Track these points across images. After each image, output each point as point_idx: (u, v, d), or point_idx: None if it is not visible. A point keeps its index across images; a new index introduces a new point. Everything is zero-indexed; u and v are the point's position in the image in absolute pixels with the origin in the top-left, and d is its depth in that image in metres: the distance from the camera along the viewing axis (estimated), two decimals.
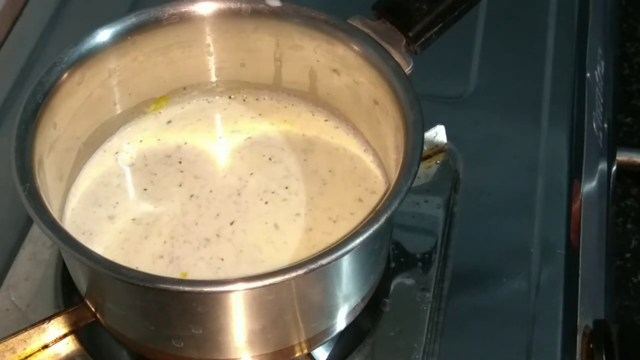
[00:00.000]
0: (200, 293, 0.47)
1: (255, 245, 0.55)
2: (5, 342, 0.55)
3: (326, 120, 0.61)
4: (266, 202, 0.57)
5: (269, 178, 0.58)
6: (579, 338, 0.60)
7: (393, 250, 0.62)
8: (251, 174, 0.59)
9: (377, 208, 0.49)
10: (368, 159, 0.59)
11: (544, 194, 0.66)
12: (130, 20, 0.57)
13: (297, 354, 0.55)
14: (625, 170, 0.84)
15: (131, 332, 0.54)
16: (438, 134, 0.67)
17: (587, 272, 0.63)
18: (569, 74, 0.74)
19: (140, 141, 0.60)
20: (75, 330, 0.57)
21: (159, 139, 0.61)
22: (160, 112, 0.62)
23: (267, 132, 0.61)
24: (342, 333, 0.57)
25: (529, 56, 0.76)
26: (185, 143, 0.60)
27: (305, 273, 0.46)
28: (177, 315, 0.50)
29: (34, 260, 0.62)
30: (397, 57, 0.55)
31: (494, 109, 0.72)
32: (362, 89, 0.57)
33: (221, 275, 0.53)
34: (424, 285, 0.61)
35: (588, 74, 0.76)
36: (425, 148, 0.52)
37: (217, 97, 0.63)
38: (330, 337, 0.56)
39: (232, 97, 0.62)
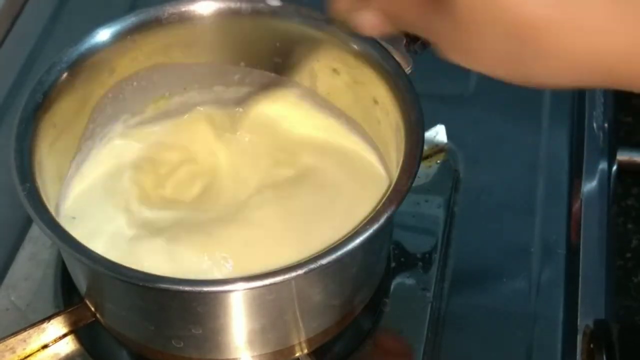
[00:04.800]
0: (200, 293, 0.47)
1: (258, 241, 0.55)
2: (5, 342, 0.55)
3: (327, 119, 0.61)
4: (268, 199, 0.57)
5: (270, 175, 0.58)
6: (579, 338, 0.60)
7: (393, 250, 0.62)
8: (252, 172, 0.59)
9: (377, 208, 0.49)
10: (369, 157, 0.59)
11: (545, 194, 0.66)
12: (130, 20, 0.57)
13: (297, 354, 0.55)
14: (626, 169, 0.84)
15: (131, 332, 0.54)
16: (438, 133, 0.67)
17: (587, 272, 0.63)
18: None
19: (140, 141, 0.60)
20: (75, 330, 0.57)
21: (158, 139, 0.60)
22: (160, 112, 0.61)
23: (267, 130, 0.61)
24: (342, 333, 0.57)
25: None
26: (185, 142, 0.60)
27: (305, 273, 0.46)
28: (177, 315, 0.50)
29: (33, 260, 0.62)
30: (398, 57, 0.55)
31: (494, 109, 0.72)
32: (362, 89, 0.57)
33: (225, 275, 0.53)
34: (424, 285, 0.61)
35: None
36: (425, 148, 0.52)
37: (216, 97, 0.62)
38: (330, 337, 0.56)
39: (232, 96, 0.62)
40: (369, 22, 0.47)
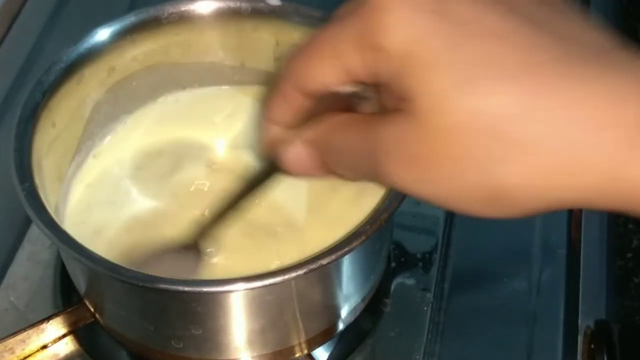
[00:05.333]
0: (199, 293, 0.47)
1: (254, 236, 0.55)
2: (4, 343, 0.54)
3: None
4: (270, 196, 0.57)
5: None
6: (580, 338, 0.59)
7: (393, 250, 0.62)
8: (252, 171, 0.59)
9: (377, 208, 0.49)
10: None
11: None
12: (130, 20, 0.57)
13: (297, 355, 0.55)
14: None
15: (130, 332, 0.54)
16: None
17: (588, 272, 0.63)
18: None
19: (140, 140, 0.60)
20: (74, 331, 0.57)
21: (158, 137, 0.60)
22: (159, 111, 0.61)
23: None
24: (342, 333, 0.57)
25: None
26: (185, 141, 0.60)
27: (305, 273, 0.46)
28: (177, 315, 0.50)
29: (32, 260, 0.62)
30: None
31: None
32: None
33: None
34: (425, 285, 0.61)
35: None
36: None
37: (216, 96, 0.62)
38: (330, 338, 0.56)
39: (232, 96, 0.62)
40: (297, 158, 0.41)
